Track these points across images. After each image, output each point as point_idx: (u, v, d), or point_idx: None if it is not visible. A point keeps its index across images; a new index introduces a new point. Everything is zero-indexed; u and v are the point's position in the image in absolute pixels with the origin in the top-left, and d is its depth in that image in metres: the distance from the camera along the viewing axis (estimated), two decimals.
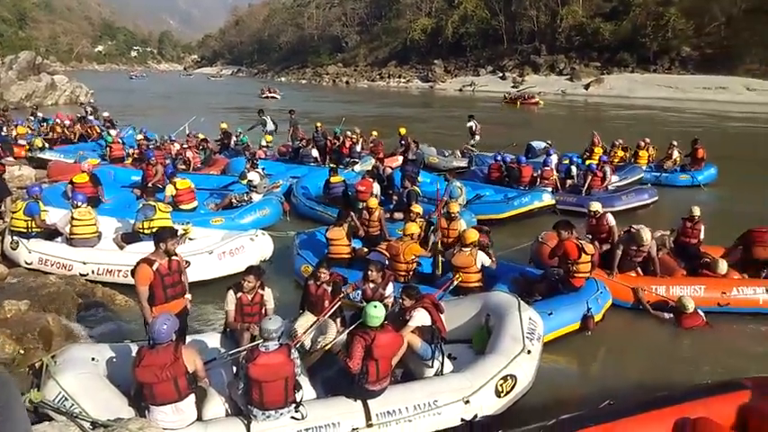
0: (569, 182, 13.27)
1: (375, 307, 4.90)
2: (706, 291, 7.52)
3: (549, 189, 12.59)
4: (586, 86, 60.29)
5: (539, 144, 17.24)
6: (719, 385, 4.75)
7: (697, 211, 8.68)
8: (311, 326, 5.90)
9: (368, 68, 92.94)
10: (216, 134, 18.80)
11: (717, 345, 6.88)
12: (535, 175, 13.15)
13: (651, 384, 5.54)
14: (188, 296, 5.90)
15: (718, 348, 6.78)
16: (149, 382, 4.41)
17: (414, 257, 7.58)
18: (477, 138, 18.83)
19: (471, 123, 18.99)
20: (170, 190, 10.45)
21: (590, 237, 8.53)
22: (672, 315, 7.30)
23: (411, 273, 7.61)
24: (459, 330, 6.15)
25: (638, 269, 7.96)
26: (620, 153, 16.65)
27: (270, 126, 19.50)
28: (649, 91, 54.09)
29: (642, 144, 16.60)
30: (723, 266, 7.81)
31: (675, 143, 16.41)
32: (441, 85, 74.50)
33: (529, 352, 5.38)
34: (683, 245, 8.64)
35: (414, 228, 7.92)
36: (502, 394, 5.08)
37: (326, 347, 5.69)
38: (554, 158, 14.24)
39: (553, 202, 11.98)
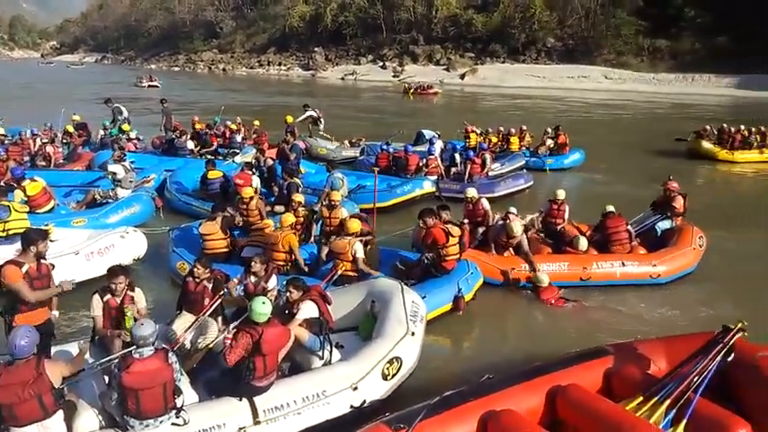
0: (453, 170, 13.70)
1: (263, 303, 4.79)
2: (569, 267, 8.10)
3: (434, 177, 12.99)
4: (462, 76, 62.73)
5: (429, 133, 17.69)
6: (586, 353, 5.12)
7: (562, 194, 9.34)
8: (190, 326, 5.66)
9: (246, 55, 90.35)
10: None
11: (581, 316, 7.46)
12: (421, 164, 13.47)
13: (526, 356, 5.88)
14: (55, 304, 5.43)
15: (582, 319, 7.35)
16: (9, 402, 3.99)
17: (291, 247, 7.49)
18: (322, 125, 19.13)
19: (311, 112, 19.18)
20: (18, 195, 9.05)
21: (467, 221, 8.92)
22: (531, 290, 7.81)
23: (290, 263, 7.53)
24: (346, 319, 6.19)
25: (511, 249, 8.42)
26: (494, 139, 17.48)
27: (125, 114, 18.38)
28: (519, 80, 57.31)
29: (513, 131, 17.54)
30: (584, 243, 8.46)
31: (549, 130, 17.53)
32: (322, 73, 74.17)
33: (413, 334, 5.53)
34: (549, 225, 9.28)
35: (291, 218, 7.89)
36: (388, 377, 5.19)
37: (209, 347, 5.49)
38: (437, 147, 14.66)
39: (433, 189, 12.34)
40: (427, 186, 12.30)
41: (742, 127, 19.48)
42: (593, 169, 16.49)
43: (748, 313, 6.97)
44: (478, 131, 17.59)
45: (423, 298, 6.21)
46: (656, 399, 4.40)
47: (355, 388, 4.98)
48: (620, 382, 4.81)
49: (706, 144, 18.92)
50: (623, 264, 8.17)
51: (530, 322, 7.34)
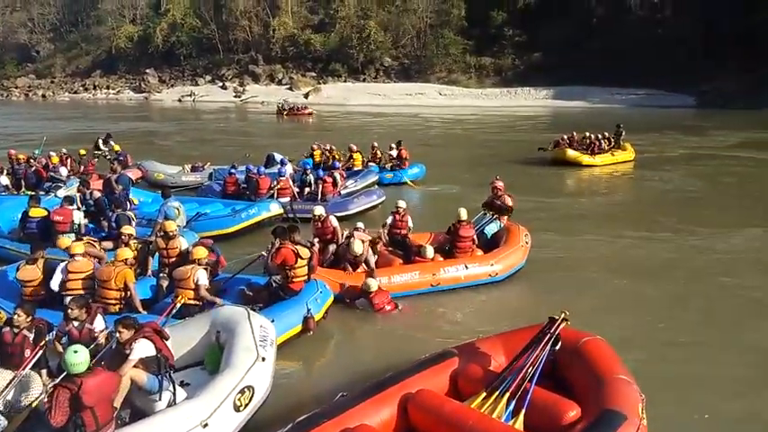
0: (307, 190, 13.53)
1: (75, 352, 4.32)
2: (420, 275, 8.41)
3: (286, 198, 12.79)
4: (306, 95, 63.07)
5: (279, 156, 17.33)
6: (433, 357, 5.28)
7: (403, 204, 9.75)
8: (9, 384, 4.99)
9: (68, 80, 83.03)
10: None
11: (432, 319, 7.73)
12: (273, 186, 13.15)
13: (380, 368, 5.90)
14: None
15: (432, 324, 7.62)
16: None
17: (127, 283, 6.91)
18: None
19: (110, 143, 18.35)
20: None
21: (317, 239, 8.91)
22: (364, 300, 7.88)
23: (123, 301, 6.92)
24: (191, 354, 5.83)
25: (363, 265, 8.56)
26: (338, 156, 17.62)
27: None
28: (362, 98, 58.95)
29: (355, 147, 17.83)
30: (430, 252, 8.85)
31: (394, 145, 18.05)
32: (156, 95, 70.51)
33: (263, 359, 5.32)
34: (394, 236, 9.57)
35: (127, 252, 7.26)
36: (241, 408, 4.93)
37: (32, 406, 4.86)
38: (288, 168, 14.49)
39: (281, 211, 12.10)
40: (274, 209, 12.04)
41: (589, 134, 21.70)
42: (438, 180, 17.34)
43: (572, 302, 7.76)
44: (327, 148, 17.78)
45: (272, 321, 6.04)
46: (497, 393, 4.64)
47: (205, 425, 4.64)
48: (465, 381, 5.01)
49: (571, 152, 20.38)
50: (467, 267, 8.63)
51: (382, 334, 7.44)
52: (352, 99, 58.82)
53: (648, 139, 25.95)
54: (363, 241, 8.45)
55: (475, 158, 22.57)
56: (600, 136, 21.39)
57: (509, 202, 10.40)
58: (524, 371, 4.67)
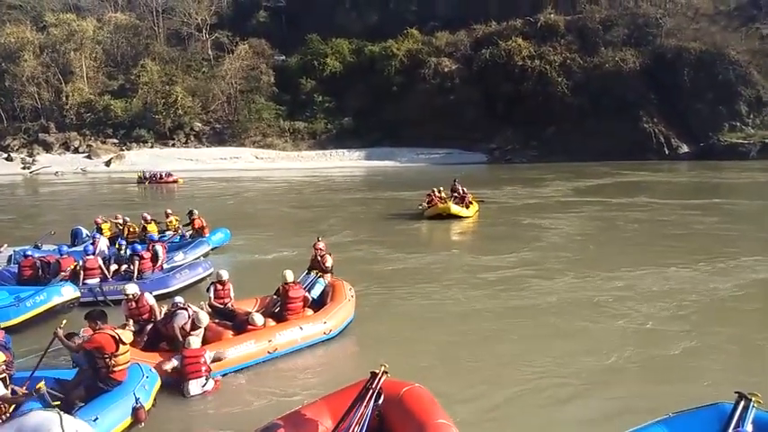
0: (124, 267, 12.02)
1: None
2: (256, 343, 7.95)
3: (95, 280, 11.25)
4: (107, 163, 58.84)
5: (85, 231, 15.47)
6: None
7: (225, 274, 9.34)
8: None
9: None
10: None
11: (272, 388, 7.36)
12: (78, 266, 11.44)
13: None
14: None
15: (273, 391, 7.25)
16: None
17: None
18: None
19: None
20: None
21: (132, 320, 8.13)
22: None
23: None
24: None
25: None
26: (134, 228, 16.11)
27: None
28: (172, 164, 56.38)
29: (149, 217, 16.27)
30: (259, 319, 8.49)
31: (195, 211, 16.81)
32: None
33: None
34: (218, 307, 9.09)
35: None
36: None
37: None
38: (101, 244, 13.04)
39: (77, 294, 10.47)
40: (68, 292, 10.29)
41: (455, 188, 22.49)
42: (258, 243, 16.97)
43: (400, 351, 8.03)
44: (119, 221, 16.29)
45: (94, 420, 5.26)
46: None
47: None
48: None
49: (455, 207, 20.80)
50: (301, 328, 8.45)
51: (218, 416, 6.88)
52: (162, 165, 55.78)
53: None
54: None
55: (296, 219, 22.70)
56: (463, 190, 22.39)
57: (329, 261, 10.59)
58: (351, 431, 4.62)
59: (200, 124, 65.39)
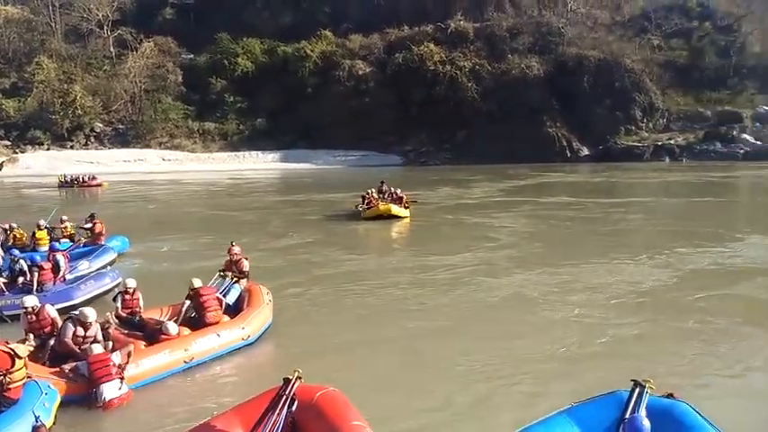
0: (21, 279, 10.90)
1: None
2: (171, 353, 7.54)
3: None
4: None
5: None
6: None
7: (132, 283, 8.81)
8: None
9: None
10: None
11: (187, 399, 6.97)
12: None
13: None
14: None
15: (188, 403, 6.86)
16: None
17: None
18: None
19: None
20: None
21: (32, 335, 7.49)
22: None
23: None
24: None
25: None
26: (20, 235, 14.74)
27: None
28: (72, 167, 52.99)
29: (42, 224, 14.79)
30: (173, 327, 8.06)
31: (96, 216, 15.76)
32: None
33: None
34: (127, 317, 8.55)
35: None
36: None
37: None
38: None
39: None
40: None
41: (388, 189, 22.53)
42: (169, 248, 16.20)
43: (319, 354, 7.87)
44: (5, 227, 14.83)
45: None
46: None
47: None
48: None
49: (395, 207, 20.63)
50: (219, 335, 8.10)
51: (123, 428, 6.44)
52: (60, 168, 52.33)
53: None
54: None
55: (208, 223, 21.86)
56: (398, 191, 22.38)
57: (245, 266, 10.27)
58: None
59: (101, 125, 61.94)
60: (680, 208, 24.87)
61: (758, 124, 61.26)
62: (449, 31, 65.60)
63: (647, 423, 4.22)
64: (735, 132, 59.90)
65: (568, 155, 59.09)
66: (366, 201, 21.42)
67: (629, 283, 11.21)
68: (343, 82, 63.46)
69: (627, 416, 4.39)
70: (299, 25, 66.70)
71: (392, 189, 22.74)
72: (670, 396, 4.70)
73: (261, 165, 57.40)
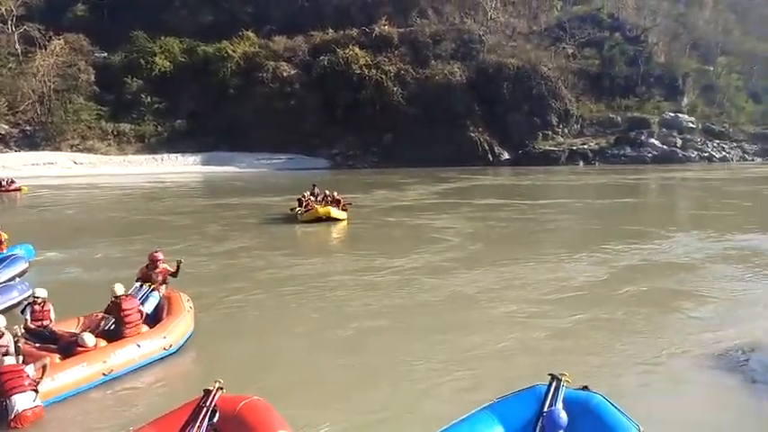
0: None
1: None
2: (88, 366, 7.06)
3: None
4: None
5: None
6: None
7: (42, 292, 8.24)
8: None
9: None
10: None
11: (104, 416, 6.56)
12: None
13: None
14: None
15: (105, 420, 6.47)
16: None
17: None
18: None
19: None
20: None
21: None
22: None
23: None
24: None
25: None
26: None
27: None
28: None
29: None
30: (90, 339, 7.56)
31: None
32: None
33: None
34: (37, 330, 7.93)
35: None
36: None
37: None
38: None
39: None
40: None
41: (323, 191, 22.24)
42: (84, 256, 15.25)
43: (244, 362, 7.66)
44: None
45: None
46: None
47: None
48: None
49: (335, 210, 20.30)
50: (139, 345, 7.67)
51: None
52: None
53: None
54: None
55: (136, 228, 20.71)
56: (328, 193, 22.06)
57: (166, 272, 9.82)
58: None
59: (6, 126, 57.77)
60: (605, 208, 26.12)
61: (664, 130, 65.60)
62: (373, 35, 66.01)
63: (563, 415, 4.37)
64: (643, 137, 63.84)
65: (490, 159, 60.84)
66: (304, 204, 21.17)
67: (564, 280, 11.58)
68: (267, 83, 62.42)
69: (545, 409, 4.53)
70: (220, 25, 64.97)
71: (326, 192, 22.55)
72: (585, 388, 4.87)
73: (181, 168, 55.48)
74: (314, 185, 23.41)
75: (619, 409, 4.57)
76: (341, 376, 7.33)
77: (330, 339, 8.58)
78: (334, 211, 20.64)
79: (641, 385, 6.76)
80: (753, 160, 67.58)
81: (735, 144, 70.60)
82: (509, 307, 9.82)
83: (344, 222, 20.70)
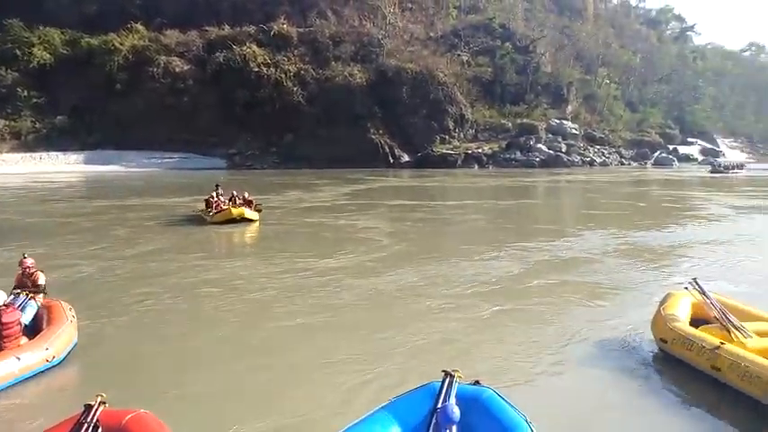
0: None
1: None
2: None
3: None
4: None
5: None
6: None
7: None
8: None
9: None
10: None
11: None
12: None
13: None
14: None
15: None
16: None
17: None
18: None
19: None
20: None
21: None
22: None
23: None
24: None
25: None
26: None
27: None
28: None
29: None
30: None
31: None
32: None
33: None
34: None
35: None
36: None
37: None
38: None
39: None
40: None
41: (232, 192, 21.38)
42: None
43: (132, 374, 7.18)
44: None
45: None
46: None
47: None
48: None
49: (248, 211, 19.78)
50: (19, 358, 6.90)
51: None
52: None
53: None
54: None
55: (23, 233, 18.56)
56: (236, 193, 21.30)
57: (41, 279, 8.96)
58: None
59: None
60: (511, 208, 27.12)
61: (550, 135, 69.81)
62: (272, 33, 64.84)
63: (456, 410, 4.47)
64: (532, 143, 67.54)
65: (391, 161, 61.65)
66: (214, 205, 20.39)
67: (481, 275, 11.86)
68: (157, 79, 59.49)
69: (439, 405, 4.62)
70: (105, 16, 61.10)
71: (233, 193, 21.74)
72: (477, 383, 5.00)
73: (62, 167, 51.46)
74: (217, 186, 22.44)
75: (507, 402, 4.73)
76: (257, 380, 6.96)
77: (247, 343, 8.16)
78: (248, 212, 20.12)
79: (541, 373, 7.00)
80: (629, 164, 73.76)
81: (613, 149, 76.68)
82: (430, 302, 9.91)
83: (257, 223, 20.10)
